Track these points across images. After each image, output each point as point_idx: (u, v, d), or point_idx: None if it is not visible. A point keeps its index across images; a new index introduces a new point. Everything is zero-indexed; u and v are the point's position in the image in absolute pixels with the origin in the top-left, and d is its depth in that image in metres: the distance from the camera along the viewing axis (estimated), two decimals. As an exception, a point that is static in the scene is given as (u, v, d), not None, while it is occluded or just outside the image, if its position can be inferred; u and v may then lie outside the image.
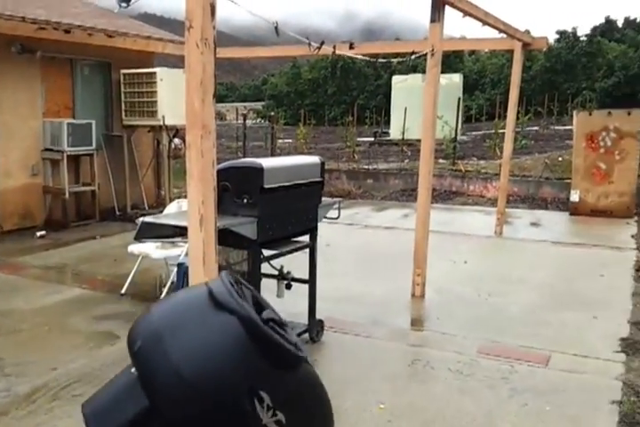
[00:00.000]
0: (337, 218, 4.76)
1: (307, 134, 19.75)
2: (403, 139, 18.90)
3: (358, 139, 19.49)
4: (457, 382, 3.91)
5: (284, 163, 4.38)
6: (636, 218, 9.72)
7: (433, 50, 5.04)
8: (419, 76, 22.04)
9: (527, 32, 8.80)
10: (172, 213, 5.61)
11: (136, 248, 5.76)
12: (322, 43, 4.62)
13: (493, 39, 7.60)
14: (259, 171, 3.98)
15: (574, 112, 11.15)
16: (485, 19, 5.71)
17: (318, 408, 0.58)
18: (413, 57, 5.52)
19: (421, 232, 5.52)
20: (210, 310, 0.53)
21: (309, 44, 5.55)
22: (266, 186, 4.00)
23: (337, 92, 56.27)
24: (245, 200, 4.07)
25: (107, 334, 4.78)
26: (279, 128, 20.66)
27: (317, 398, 0.58)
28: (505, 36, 6.89)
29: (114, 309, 5.40)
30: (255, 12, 2.95)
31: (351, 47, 7.91)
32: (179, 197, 10.41)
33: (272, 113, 19.26)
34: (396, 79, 23.23)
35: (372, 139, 22.70)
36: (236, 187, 4.06)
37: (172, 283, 5.65)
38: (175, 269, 5.61)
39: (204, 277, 3.17)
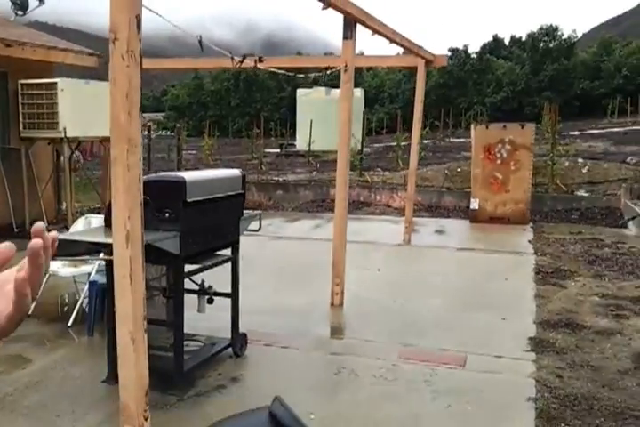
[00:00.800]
0: (258, 230, 4.78)
1: (212, 146, 19.59)
2: (309, 150, 19.14)
3: (265, 150, 19.54)
4: (381, 388, 4.02)
5: (206, 176, 4.35)
6: (531, 224, 10.34)
7: (346, 66, 5.19)
8: (322, 89, 22.48)
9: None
10: (84, 229, 5.43)
11: (42, 266, 5.49)
12: (244, 57, 4.64)
13: (398, 56, 7.90)
14: (181, 184, 3.94)
15: (472, 125, 11.75)
16: (393, 37, 5.94)
17: None
18: (329, 72, 5.64)
19: (339, 241, 5.63)
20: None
21: (232, 58, 5.56)
22: (188, 199, 3.97)
23: (240, 103, 56.20)
24: (167, 214, 4.01)
25: (16, 357, 4.54)
26: (183, 140, 20.34)
27: None
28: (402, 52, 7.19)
29: (20, 331, 5.11)
30: (151, 21, 2.93)
31: (260, 61, 7.99)
32: (80, 213, 10.05)
33: (177, 124, 18.92)
34: (300, 92, 23.54)
35: (279, 150, 22.84)
36: (157, 201, 3.99)
37: (82, 302, 5.45)
38: (86, 287, 5.42)
39: (130, 295, 3.09)
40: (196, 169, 16.52)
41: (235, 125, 47.79)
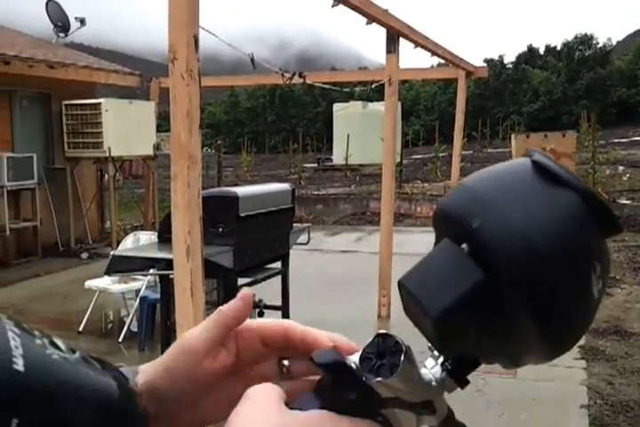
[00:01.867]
0: (307, 243, 4.90)
1: (250, 162, 19.88)
2: (346, 164, 19.28)
3: (302, 165, 19.77)
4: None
5: (258, 191, 4.50)
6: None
7: (390, 79, 5.30)
8: (358, 103, 22.61)
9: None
10: (134, 246, 5.56)
11: (93, 283, 5.65)
12: (294, 73, 4.81)
13: (439, 69, 8.00)
14: (234, 199, 4.09)
15: (512, 135, 11.74)
16: (435, 49, 6.04)
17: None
18: (374, 86, 5.78)
19: (385, 254, 5.71)
20: (543, 185, 0.51)
21: (282, 75, 5.75)
22: (241, 214, 4.11)
23: (276, 120, 56.86)
24: (220, 229, 4.16)
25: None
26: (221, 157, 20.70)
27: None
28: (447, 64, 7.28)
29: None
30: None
31: (301, 77, 8.22)
32: (123, 230, 10.26)
33: (218, 141, 19.29)
34: (337, 107, 23.74)
35: (316, 165, 23.02)
36: (211, 216, 4.14)
37: (132, 319, 5.55)
38: (136, 303, 5.53)
39: (191, 308, 3.22)
40: (236, 185, 16.77)
41: (271, 142, 48.38)
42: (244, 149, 22.21)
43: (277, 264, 4.78)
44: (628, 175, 12.86)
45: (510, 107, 51.87)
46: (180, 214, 3.19)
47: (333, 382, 0.49)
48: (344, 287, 7.00)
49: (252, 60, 3.44)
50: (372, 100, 22.13)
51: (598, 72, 52.23)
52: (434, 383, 0.54)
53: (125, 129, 9.21)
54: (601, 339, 5.02)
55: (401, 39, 5.27)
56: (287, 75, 4.96)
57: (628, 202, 11.79)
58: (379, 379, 0.48)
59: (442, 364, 0.56)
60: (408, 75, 9.05)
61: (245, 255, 4.20)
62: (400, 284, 0.55)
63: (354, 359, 0.50)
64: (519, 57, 61.87)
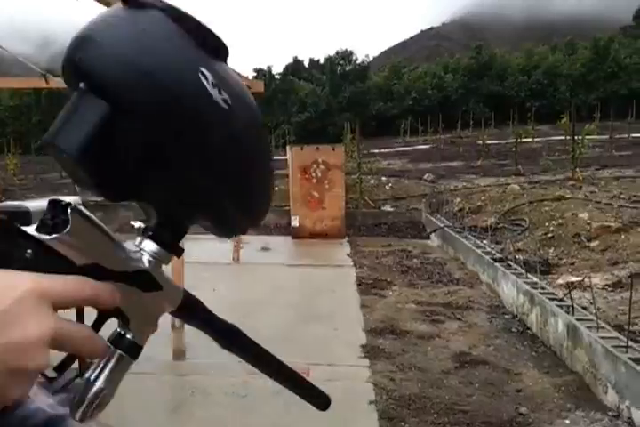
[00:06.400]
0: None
1: (17, 165, 18.24)
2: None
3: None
4: (236, 403, 4.19)
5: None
6: (347, 238, 11.11)
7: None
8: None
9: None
10: None
11: None
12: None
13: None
14: (26, 214, 3.81)
15: (288, 147, 12.34)
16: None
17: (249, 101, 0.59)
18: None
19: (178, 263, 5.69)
20: (130, 12, 0.54)
21: (45, 77, 5.37)
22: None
23: (42, 119, 52.51)
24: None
25: None
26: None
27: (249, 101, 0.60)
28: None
29: None
30: None
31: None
32: None
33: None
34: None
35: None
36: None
37: None
38: None
39: None
40: (6, 191, 15.22)
41: (37, 142, 44.50)
42: (10, 151, 20.21)
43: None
44: (390, 185, 14.26)
45: (280, 116, 54.12)
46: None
47: (4, 243, 0.50)
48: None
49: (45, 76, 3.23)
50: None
51: (359, 86, 56.81)
52: (142, 254, 0.57)
53: None
54: (380, 338, 5.55)
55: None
56: (56, 79, 4.65)
57: (391, 209, 13.09)
58: (52, 236, 0.49)
59: (143, 232, 0.59)
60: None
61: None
62: (44, 146, 0.55)
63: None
64: (286, 68, 64.88)
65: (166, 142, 0.53)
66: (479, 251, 8.06)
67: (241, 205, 0.60)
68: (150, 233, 0.57)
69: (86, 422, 0.55)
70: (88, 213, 0.51)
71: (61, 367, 0.55)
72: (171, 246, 0.58)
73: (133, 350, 0.58)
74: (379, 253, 9.66)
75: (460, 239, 9.09)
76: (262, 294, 7.22)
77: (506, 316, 6.29)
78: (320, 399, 0.80)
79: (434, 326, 5.96)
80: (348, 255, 9.58)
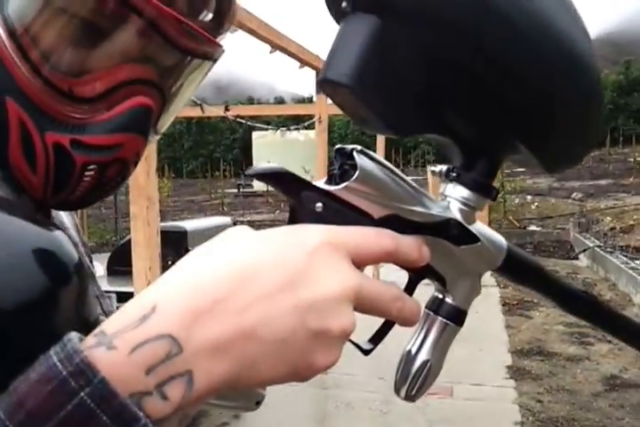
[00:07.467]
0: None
1: (170, 188, 19.77)
2: (267, 190, 19.48)
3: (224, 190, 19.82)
4: (380, 419, 4.28)
5: (203, 225, 4.63)
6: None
7: (320, 118, 5.60)
8: (277, 132, 23.00)
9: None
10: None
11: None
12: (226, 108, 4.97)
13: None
14: (183, 234, 4.21)
15: (428, 167, 12.29)
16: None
17: None
18: (307, 124, 6.09)
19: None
20: None
21: (201, 107, 5.90)
22: (190, 248, 4.22)
23: (193, 146, 56.59)
24: (170, 262, 4.24)
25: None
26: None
27: None
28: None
29: None
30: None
31: (227, 109, 8.38)
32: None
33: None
34: (255, 135, 24.03)
35: (236, 190, 23.10)
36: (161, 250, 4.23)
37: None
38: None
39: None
40: (160, 211, 16.53)
41: (188, 167, 48.05)
42: (163, 175, 22.05)
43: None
44: (536, 204, 13.76)
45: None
46: (141, 251, 3.28)
47: (292, 199, 0.45)
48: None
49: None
50: (287, 127, 22.57)
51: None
52: (449, 201, 0.47)
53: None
54: (526, 359, 5.40)
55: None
56: (210, 107, 5.11)
57: (537, 229, 12.61)
58: (341, 185, 0.43)
59: (446, 174, 0.48)
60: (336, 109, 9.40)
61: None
62: (322, 86, 0.46)
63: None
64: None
65: (475, 56, 0.42)
66: (632, 271, 7.58)
67: (574, 130, 0.46)
68: (455, 175, 0.47)
69: (415, 399, 0.48)
70: (378, 156, 0.43)
71: (378, 337, 0.48)
72: (483, 188, 0.47)
73: (457, 317, 0.49)
74: None
75: (612, 259, 8.59)
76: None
77: (666, 341, 5.86)
78: None
79: (583, 348, 5.69)
80: (491, 275, 9.34)
